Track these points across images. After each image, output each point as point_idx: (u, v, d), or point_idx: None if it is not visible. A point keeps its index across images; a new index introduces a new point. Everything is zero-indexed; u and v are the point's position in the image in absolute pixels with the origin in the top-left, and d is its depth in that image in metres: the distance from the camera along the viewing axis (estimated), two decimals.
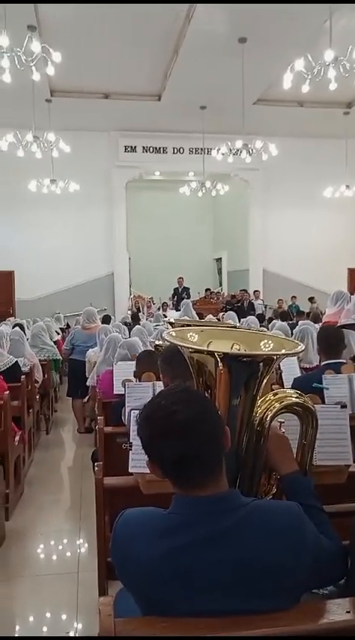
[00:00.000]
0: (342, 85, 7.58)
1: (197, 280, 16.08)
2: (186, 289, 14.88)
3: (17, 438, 4.44)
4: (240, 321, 7.70)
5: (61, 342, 8.42)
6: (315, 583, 1.38)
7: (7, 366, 4.96)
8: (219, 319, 9.19)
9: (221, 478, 1.28)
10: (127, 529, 1.29)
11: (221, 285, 18.32)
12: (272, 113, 12.60)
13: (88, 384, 5.71)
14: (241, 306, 14.03)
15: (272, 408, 1.54)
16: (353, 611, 1.20)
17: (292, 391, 1.66)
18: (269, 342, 1.61)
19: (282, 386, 3.57)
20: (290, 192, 14.98)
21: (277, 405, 1.55)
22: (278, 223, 15.19)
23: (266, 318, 11.15)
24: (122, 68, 10.61)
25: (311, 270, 14.97)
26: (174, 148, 14.70)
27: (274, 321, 8.54)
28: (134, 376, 3.58)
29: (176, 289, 15.00)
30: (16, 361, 5.15)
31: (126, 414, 2.82)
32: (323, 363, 3.48)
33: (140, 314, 12.08)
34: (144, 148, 14.60)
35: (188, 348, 1.51)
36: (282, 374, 3.89)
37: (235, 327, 3.66)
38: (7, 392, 4.18)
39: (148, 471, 1.34)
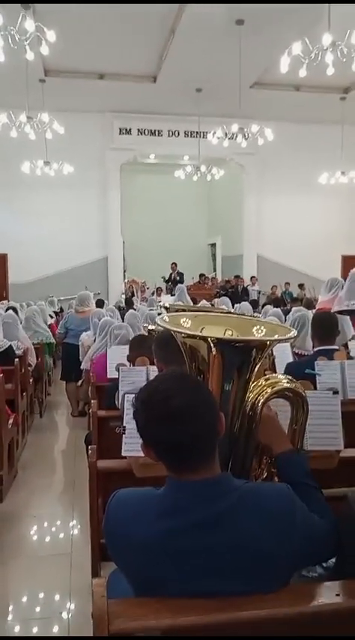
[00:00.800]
0: (339, 69, 7.52)
1: (191, 265, 16.05)
2: (180, 274, 14.85)
3: (11, 421, 4.45)
4: (233, 307, 7.70)
5: (54, 326, 8.41)
6: (306, 561, 1.41)
7: (1, 349, 4.96)
8: (212, 304, 9.19)
9: (214, 462, 1.29)
10: (120, 509, 1.30)
11: (215, 270, 18.30)
12: (269, 97, 12.49)
13: (82, 367, 5.71)
14: (235, 291, 14.04)
15: (264, 393, 1.55)
16: (342, 594, 1.23)
17: (283, 377, 1.67)
18: (262, 327, 1.61)
19: (275, 372, 3.58)
20: (286, 177, 14.91)
21: (269, 390, 1.56)
22: (273, 209, 15.14)
23: (261, 304, 11.17)
24: (117, 49, 10.46)
25: (306, 256, 14.96)
26: (169, 131, 14.56)
27: (267, 306, 8.57)
28: (127, 360, 3.58)
29: (170, 275, 14.96)
30: (10, 344, 5.15)
31: (120, 397, 2.83)
32: (315, 350, 3.49)
33: (134, 298, 12.07)
34: (139, 130, 14.45)
35: (181, 333, 1.52)
36: (275, 360, 3.90)
37: (229, 312, 3.66)
38: (1, 375, 4.19)
39: (142, 455, 1.35)
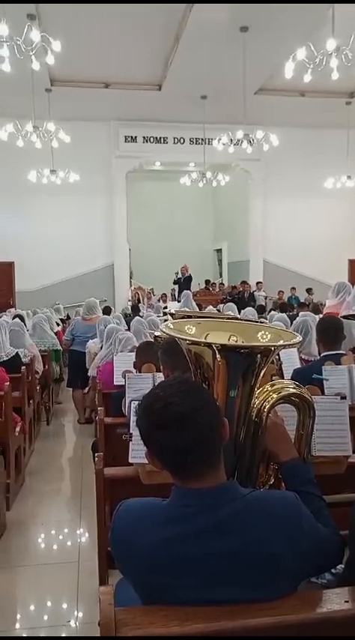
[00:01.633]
0: (344, 74, 7.52)
1: (197, 271, 16.07)
2: (189, 278, 14.80)
3: (18, 429, 4.45)
4: (239, 313, 7.70)
5: (61, 333, 8.42)
6: (312, 571, 1.40)
7: (9, 356, 4.97)
8: (218, 310, 9.18)
9: (219, 469, 1.28)
10: (127, 519, 1.30)
11: (221, 276, 18.31)
12: (274, 103, 12.51)
13: (88, 374, 5.72)
14: (241, 297, 14.02)
15: (269, 399, 1.54)
16: (351, 600, 1.21)
17: (289, 382, 1.67)
18: (267, 333, 1.61)
19: (282, 377, 3.57)
20: (291, 182, 14.91)
21: (275, 395, 1.55)
22: (278, 214, 15.14)
23: (268, 309, 11.15)
24: (122, 57, 10.53)
25: (312, 261, 14.94)
26: (174, 138, 14.61)
27: (273, 312, 8.54)
28: (134, 367, 3.58)
29: (179, 278, 14.92)
30: (17, 352, 5.16)
31: (127, 404, 2.83)
32: (322, 354, 3.48)
33: (140, 305, 12.08)
34: (144, 137, 14.52)
35: (185, 340, 1.51)
36: (282, 365, 3.90)
37: (236, 318, 3.65)
38: (8, 383, 4.19)
39: (148, 462, 1.34)
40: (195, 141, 14.30)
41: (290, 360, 3.94)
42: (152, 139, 14.57)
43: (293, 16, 8.64)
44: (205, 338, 1.55)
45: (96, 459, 2.50)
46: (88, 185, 13.83)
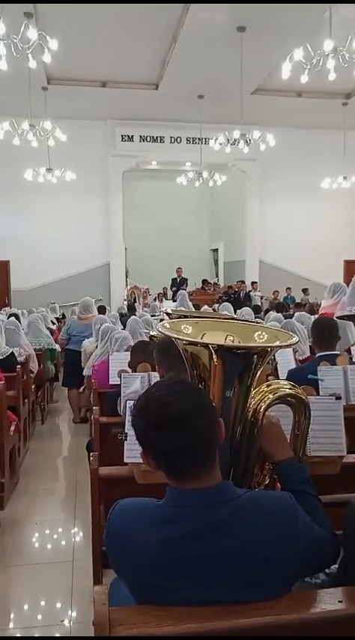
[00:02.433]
0: (341, 75, 7.53)
1: (193, 271, 16.07)
2: (185, 280, 14.85)
3: (12, 428, 4.44)
4: (235, 312, 7.70)
5: (56, 332, 8.41)
6: (307, 571, 1.40)
7: (4, 356, 4.96)
8: (214, 310, 9.19)
9: (214, 470, 1.28)
10: (122, 519, 1.29)
11: (217, 276, 18.32)
12: (271, 103, 12.52)
13: (83, 374, 5.71)
14: (238, 297, 14.03)
15: (265, 399, 1.54)
16: (345, 600, 1.22)
17: (285, 382, 1.67)
18: (263, 333, 1.61)
19: (278, 377, 3.58)
20: (288, 183, 14.93)
21: (271, 396, 1.55)
22: (275, 214, 15.16)
23: (263, 309, 11.16)
24: (119, 56, 10.51)
25: (308, 261, 14.97)
26: (171, 138, 14.61)
27: (270, 312, 8.54)
28: (128, 366, 3.58)
29: (174, 279, 14.97)
30: (12, 351, 5.15)
31: (122, 404, 2.83)
32: (317, 355, 3.49)
33: (136, 304, 12.07)
34: (141, 137, 14.51)
35: (182, 340, 1.51)
36: (277, 365, 3.90)
37: (233, 318, 3.65)
38: (3, 382, 4.18)
39: (143, 461, 1.34)
40: (191, 140, 14.29)
41: (286, 361, 3.95)
42: (149, 139, 14.56)
43: (291, 16, 8.65)
44: (202, 338, 1.55)
45: (91, 458, 2.49)
46: (85, 184, 13.80)
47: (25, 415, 5.28)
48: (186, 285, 14.40)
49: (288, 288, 14.71)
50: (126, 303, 13.19)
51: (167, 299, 14.20)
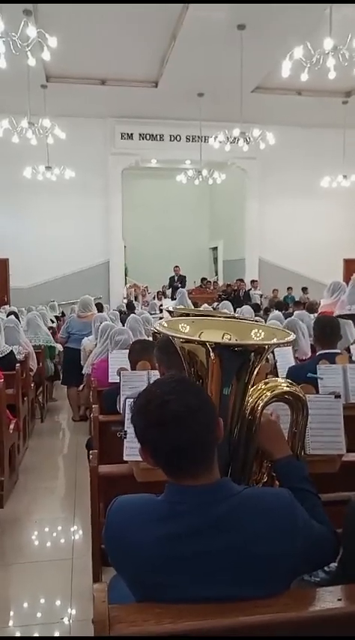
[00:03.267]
0: (341, 74, 7.52)
1: (193, 269, 16.07)
2: (182, 278, 14.85)
3: (12, 426, 4.44)
4: (235, 311, 7.70)
5: (56, 330, 8.41)
6: (306, 567, 1.40)
7: (3, 354, 4.95)
8: (214, 308, 9.19)
9: (213, 467, 1.28)
10: (121, 516, 1.29)
11: (217, 274, 18.31)
12: (271, 101, 12.51)
13: (83, 372, 5.71)
14: (237, 295, 14.03)
15: (263, 397, 1.55)
16: (344, 599, 1.22)
17: (283, 380, 1.67)
18: (261, 331, 1.61)
19: (277, 375, 3.58)
20: (288, 181, 14.92)
21: (268, 394, 1.56)
22: (274, 213, 15.15)
23: (263, 308, 11.16)
24: (119, 54, 10.50)
25: (307, 260, 14.97)
26: (170, 136, 14.60)
27: (272, 311, 8.55)
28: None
29: (172, 278, 14.98)
30: (12, 350, 5.15)
31: (121, 402, 2.83)
32: (318, 353, 3.49)
33: (135, 302, 12.08)
34: (140, 135, 14.50)
35: (179, 338, 1.51)
36: (277, 364, 3.91)
37: (234, 317, 3.66)
38: (2, 380, 4.18)
39: (142, 459, 1.34)
40: (191, 138, 14.27)
41: (285, 359, 3.96)
42: (148, 136, 14.55)
43: (291, 15, 8.63)
44: (199, 336, 1.55)
45: (91, 456, 2.49)
46: (84, 182, 13.79)
47: (24, 413, 5.28)
48: (183, 284, 14.38)
49: (289, 288, 14.71)
50: (125, 301, 13.19)
51: (166, 297, 14.19)
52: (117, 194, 14.73)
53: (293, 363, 3.97)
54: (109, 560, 1.32)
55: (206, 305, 9.77)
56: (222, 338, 1.57)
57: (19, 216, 13.97)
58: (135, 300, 13.51)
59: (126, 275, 15.70)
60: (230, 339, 1.56)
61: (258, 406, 1.53)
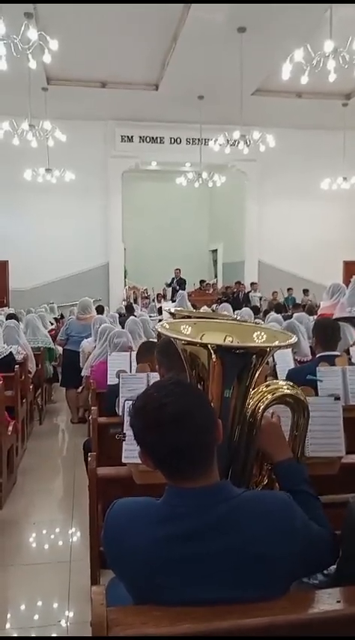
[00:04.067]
0: (341, 76, 7.54)
1: (192, 272, 16.07)
2: (182, 281, 14.85)
3: (10, 428, 4.43)
4: (234, 313, 7.69)
5: (54, 332, 8.39)
6: (305, 570, 1.39)
7: (2, 355, 4.95)
8: (213, 310, 9.18)
9: (213, 470, 1.28)
10: (120, 518, 1.29)
11: (216, 276, 18.31)
12: (271, 104, 12.53)
13: (82, 374, 5.70)
14: (236, 297, 14.03)
15: (264, 399, 1.54)
16: (343, 601, 1.21)
17: (284, 383, 1.66)
18: (262, 333, 1.61)
19: (276, 378, 3.57)
20: (287, 183, 14.94)
21: (269, 396, 1.55)
22: (274, 215, 15.16)
23: (262, 310, 11.16)
24: (119, 57, 10.52)
25: (307, 262, 14.98)
26: (171, 138, 14.61)
27: (270, 313, 8.54)
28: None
29: (172, 280, 14.96)
30: (11, 351, 5.14)
31: (121, 404, 2.82)
32: (317, 355, 3.48)
33: (135, 305, 12.07)
34: (140, 137, 14.51)
35: (181, 340, 1.51)
36: (276, 366, 3.90)
37: (236, 319, 3.65)
38: (1, 382, 4.18)
39: (141, 462, 1.34)
40: (191, 141, 14.29)
41: (284, 361, 3.95)
42: (148, 139, 14.57)
43: (291, 17, 8.66)
44: (201, 338, 1.54)
45: (90, 458, 2.49)
46: (84, 184, 13.80)
47: (23, 415, 5.27)
48: (182, 286, 14.38)
49: (290, 289, 14.71)
50: (124, 303, 13.19)
51: (166, 300, 14.19)
52: (117, 196, 14.75)
53: (293, 366, 3.97)
54: (108, 563, 1.31)
55: (205, 307, 9.77)
56: (224, 340, 1.56)
57: (19, 218, 13.98)
58: (135, 302, 13.50)
59: (125, 277, 15.70)
60: (232, 342, 1.56)
61: (258, 408, 1.52)
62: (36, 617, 2.74)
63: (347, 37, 6.96)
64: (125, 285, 15.39)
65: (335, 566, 1.43)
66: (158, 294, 14.82)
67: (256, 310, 10.19)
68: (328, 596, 1.23)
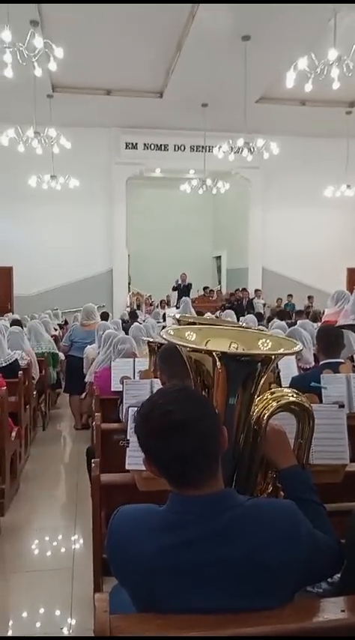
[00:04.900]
0: (345, 84, 7.57)
1: (196, 278, 16.08)
2: (188, 286, 14.84)
3: (14, 434, 4.43)
4: (238, 320, 7.69)
5: (58, 338, 8.40)
6: (310, 579, 1.38)
7: (8, 362, 4.95)
8: (217, 317, 9.18)
9: (217, 477, 1.27)
10: (123, 526, 1.28)
11: (220, 283, 18.32)
12: (275, 112, 12.58)
13: (85, 380, 5.70)
14: (240, 304, 14.03)
15: (269, 407, 1.53)
16: (347, 610, 1.20)
17: (289, 390, 1.65)
18: (268, 341, 1.60)
19: (280, 385, 3.56)
20: (291, 191, 14.97)
21: (274, 404, 1.54)
22: (278, 222, 15.19)
23: (266, 317, 11.15)
24: (124, 64, 10.58)
25: (311, 269, 14.98)
26: (175, 145, 14.67)
27: (273, 320, 8.53)
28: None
29: (178, 284, 14.95)
30: (16, 358, 5.15)
31: (124, 411, 2.82)
32: (321, 363, 3.47)
33: (138, 311, 12.08)
34: (145, 144, 14.58)
35: (186, 347, 1.51)
36: (280, 373, 3.89)
37: (241, 326, 3.64)
38: (5, 388, 4.18)
39: (145, 468, 1.33)
40: (195, 148, 14.35)
41: (288, 368, 3.94)
42: (153, 146, 14.63)
43: (295, 25, 8.70)
44: (206, 345, 1.54)
45: (93, 465, 2.48)
46: (88, 191, 13.86)
47: (26, 421, 5.27)
48: (188, 291, 14.39)
49: (290, 295, 14.70)
50: (128, 309, 13.20)
51: (170, 306, 14.20)
52: (122, 203, 14.80)
53: (297, 373, 3.95)
54: (111, 570, 1.31)
55: (209, 313, 9.77)
56: (229, 347, 1.56)
57: (23, 225, 14.04)
58: (138, 308, 13.52)
59: (129, 283, 15.72)
60: (237, 349, 1.55)
61: (263, 416, 1.52)
62: (38, 624, 2.73)
63: (351, 45, 6.99)
64: (129, 292, 15.40)
65: (339, 575, 1.42)
66: (162, 301, 14.83)
67: (260, 317, 10.19)
68: (332, 604, 1.23)
